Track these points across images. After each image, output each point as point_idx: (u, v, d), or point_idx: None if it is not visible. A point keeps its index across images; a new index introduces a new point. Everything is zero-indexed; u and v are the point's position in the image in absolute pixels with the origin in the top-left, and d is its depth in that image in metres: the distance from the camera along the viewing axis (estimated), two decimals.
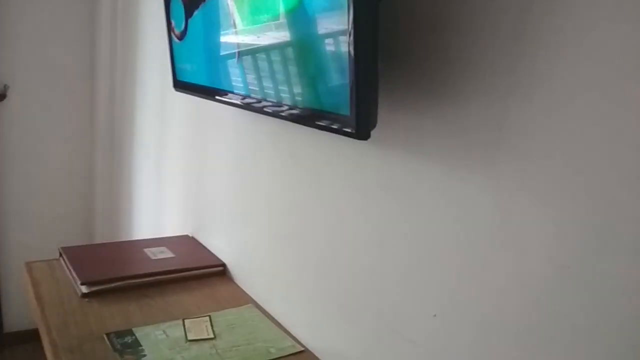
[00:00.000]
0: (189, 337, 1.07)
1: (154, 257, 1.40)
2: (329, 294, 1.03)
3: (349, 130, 0.71)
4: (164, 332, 1.09)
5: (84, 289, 1.20)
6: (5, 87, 2.41)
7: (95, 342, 1.03)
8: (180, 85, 1.31)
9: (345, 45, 0.69)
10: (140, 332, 1.08)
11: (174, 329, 1.10)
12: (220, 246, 1.45)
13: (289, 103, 0.87)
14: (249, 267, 1.32)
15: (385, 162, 0.87)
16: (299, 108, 0.84)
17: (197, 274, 1.37)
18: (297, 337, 1.11)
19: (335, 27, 0.71)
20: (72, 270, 1.27)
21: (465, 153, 0.73)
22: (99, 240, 2.60)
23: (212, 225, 1.51)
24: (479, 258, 0.72)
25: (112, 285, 1.23)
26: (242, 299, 1.28)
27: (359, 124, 0.70)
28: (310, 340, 1.08)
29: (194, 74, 1.20)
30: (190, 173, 1.65)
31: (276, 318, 1.19)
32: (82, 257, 1.35)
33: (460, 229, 0.74)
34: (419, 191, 0.81)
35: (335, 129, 0.74)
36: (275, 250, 1.20)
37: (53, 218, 2.64)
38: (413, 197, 0.82)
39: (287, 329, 1.14)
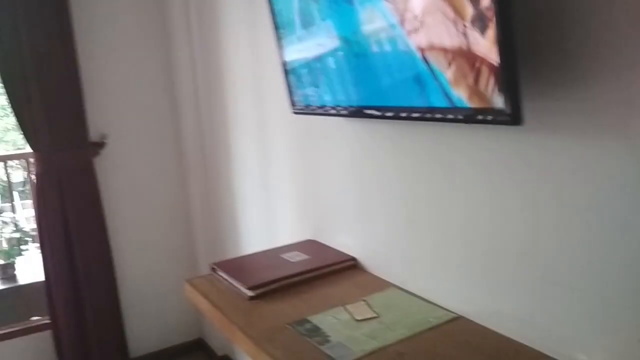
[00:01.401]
0: (357, 318, 1.25)
1: (292, 260, 1.59)
2: (474, 263, 1.19)
3: (503, 118, 0.88)
4: (334, 317, 1.27)
5: (251, 293, 1.40)
6: (104, 136, 2.67)
7: (282, 332, 1.22)
8: (300, 108, 1.50)
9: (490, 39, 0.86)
10: (314, 320, 1.26)
11: (340, 314, 1.28)
12: (347, 243, 1.63)
13: (438, 106, 1.04)
14: (384, 255, 1.49)
15: (519, 143, 1.03)
16: (451, 110, 1.01)
17: (334, 269, 1.55)
18: (448, 307, 1.27)
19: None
20: (234, 279, 1.47)
21: (600, 128, 0.89)
22: (203, 263, 2.82)
23: (334, 226, 1.70)
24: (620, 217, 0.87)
25: (272, 286, 1.43)
26: (383, 284, 1.46)
27: (513, 110, 0.86)
28: (461, 307, 1.24)
29: (320, 97, 1.38)
30: (303, 183, 1.85)
31: (421, 295, 1.36)
32: (235, 268, 1.56)
33: (601, 193, 0.90)
34: (556, 164, 0.97)
35: (489, 120, 0.91)
36: (412, 235, 1.37)
37: (158, 249, 2.88)
38: (550, 170, 0.98)
39: (435, 302, 1.31)
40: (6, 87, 2.38)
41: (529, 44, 0.96)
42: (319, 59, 1.31)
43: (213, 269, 1.60)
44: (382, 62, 1.10)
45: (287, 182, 1.96)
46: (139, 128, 2.78)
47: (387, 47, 1.05)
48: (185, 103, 2.73)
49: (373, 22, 1.07)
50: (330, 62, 1.26)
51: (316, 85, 1.35)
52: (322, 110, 1.40)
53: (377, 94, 1.16)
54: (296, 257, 1.62)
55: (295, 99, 1.51)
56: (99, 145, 2.65)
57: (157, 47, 2.75)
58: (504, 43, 0.84)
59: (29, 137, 2.44)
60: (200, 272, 2.68)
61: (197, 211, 2.83)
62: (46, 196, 2.48)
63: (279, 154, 1.97)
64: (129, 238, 2.80)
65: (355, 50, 1.16)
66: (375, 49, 1.10)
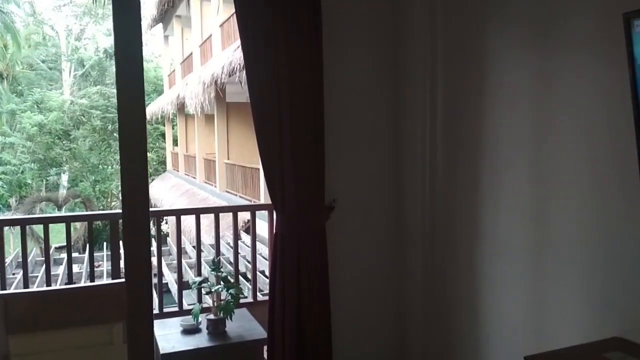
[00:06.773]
0: None
1: None
2: None
3: None
4: None
5: None
6: (334, 200, 2.72)
7: None
8: None
9: None
10: None
11: None
12: None
13: None
14: None
15: None
16: None
17: None
18: None
19: None
20: None
21: None
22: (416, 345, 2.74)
23: None
24: None
25: None
26: None
27: None
28: None
29: None
30: (605, 270, 1.71)
31: None
32: None
33: None
34: None
35: None
36: None
37: (371, 315, 2.87)
38: None
39: None
40: (260, 144, 2.50)
41: None
42: None
43: None
44: None
45: (573, 269, 1.83)
46: (362, 195, 2.83)
47: None
48: (411, 173, 2.75)
49: None
50: None
51: None
52: None
53: None
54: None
55: None
56: (330, 209, 2.70)
57: (388, 119, 2.84)
58: None
59: (276, 200, 2.54)
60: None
61: (417, 289, 2.78)
62: (285, 255, 2.55)
63: (563, 232, 1.87)
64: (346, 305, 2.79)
65: None
66: None
